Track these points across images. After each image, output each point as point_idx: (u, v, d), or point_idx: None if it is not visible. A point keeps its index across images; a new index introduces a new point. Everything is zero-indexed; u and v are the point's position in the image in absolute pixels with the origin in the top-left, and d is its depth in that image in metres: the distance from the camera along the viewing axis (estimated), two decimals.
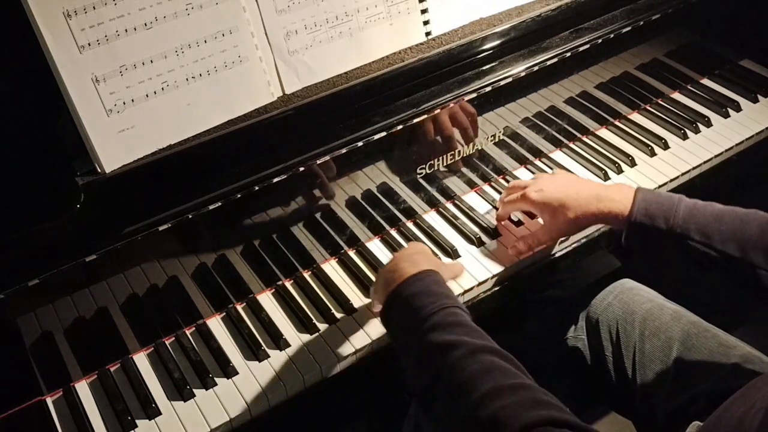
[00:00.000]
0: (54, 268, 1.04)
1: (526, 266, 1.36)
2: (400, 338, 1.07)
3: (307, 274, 1.36)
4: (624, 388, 1.36)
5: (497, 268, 1.34)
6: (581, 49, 1.44)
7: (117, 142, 1.08)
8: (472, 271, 1.33)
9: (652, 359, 1.31)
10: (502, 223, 1.42)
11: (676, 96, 1.77)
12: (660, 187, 1.51)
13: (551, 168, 1.56)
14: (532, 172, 1.56)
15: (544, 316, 1.57)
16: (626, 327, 1.37)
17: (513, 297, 1.37)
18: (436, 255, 1.36)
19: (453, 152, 1.41)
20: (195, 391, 1.17)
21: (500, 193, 1.51)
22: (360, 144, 1.24)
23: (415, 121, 1.28)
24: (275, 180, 1.18)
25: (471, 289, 1.31)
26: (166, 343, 1.25)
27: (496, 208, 1.45)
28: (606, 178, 1.53)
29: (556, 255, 1.38)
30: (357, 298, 1.30)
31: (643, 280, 1.46)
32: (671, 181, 1.53)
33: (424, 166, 1.38)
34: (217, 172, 1.14)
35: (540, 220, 1.35)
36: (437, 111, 1.30)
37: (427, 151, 1.37)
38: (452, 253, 1.37)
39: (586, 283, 1.42)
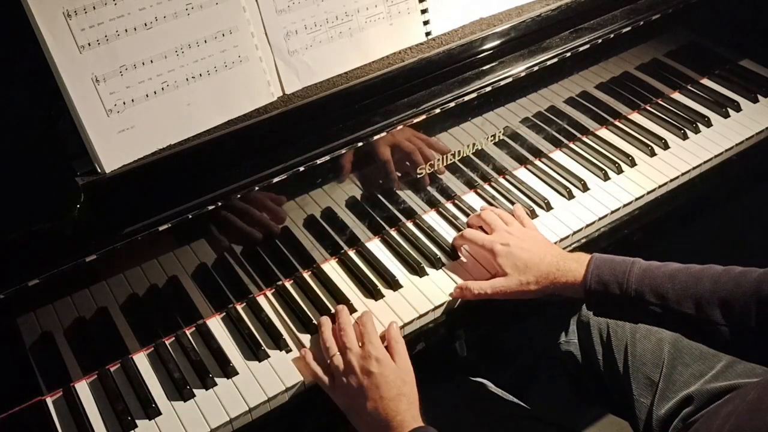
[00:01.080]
0: (54, 268, 1.04)
1: None
2: None
3: (307, 274, 1.36)
4: (618, 389, 1.36)
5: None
6: (581, 49, 1.44)
7: (117, 142, 1.08)
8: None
9: (644, 361, 1.32)
10: (461, 249, 1.39)
11: (676, 96, 1.77)
12: (660, 186, 1.51)
13: (551, 168, 1.56)
14: (533, 172, 1.56)
15: (537, 322, 1.57)
16: (617, 329, 1.37)
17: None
18: (436, 255, 1.36)
19: (453, 152, 1.41)
20: (195, 391, 1.17)
21: (500, 193, 1.51)
22: (360, 144, 1.24)
23: (415, 120, 1.28)
24: (275, 180, 1.18)
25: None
26: (166, 343, 1.25)
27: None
28: (606, 178, 1.53)
29: None
30: (357, 298, 1.30)
31: None
32: (671, 181, 1.53)
33: (424, 166, 1.38)
34: (217, 172, 1.14)
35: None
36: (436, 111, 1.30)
37: (427, 151, 1.37)
38: (452, 253, 1.37)
39: None
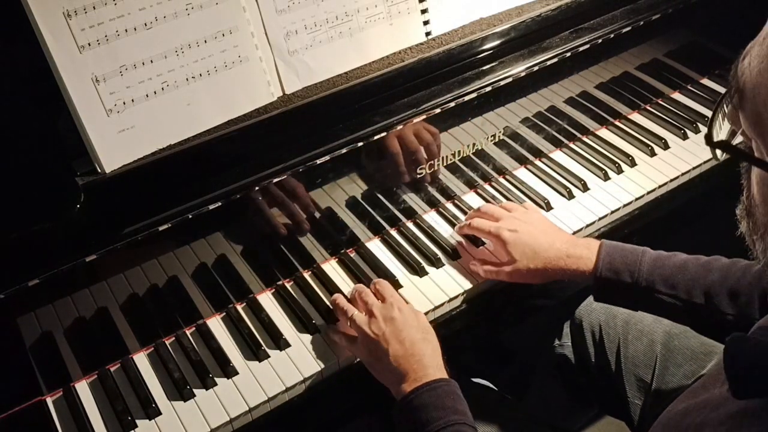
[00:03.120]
0: (54, 268, 1.04)
1: None
2: None
3: (307, 274, 1.36)
4: (612, 390, 1.37)
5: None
6: (581, 49, 1.44)
7: (117, 142, 1.08)
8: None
9: (636, 363, 1.32)
10: (462, 243, 1.38)
11: (676, 96, 1.77)
12: (660, 186, 1.51)
13: (551, 168, 1.56)
14: (533, 172, 1.56)
15: (532, 325, 1.57)
16: (609, 331, 1.37)
17: (512, 294, 1.36)
18: (436, 255, 1.36)
19: (453, 152, 1.41)
20: (195, 391, 1.17)
21: (500, 193, 1.51)
22: (360, 144, 1.24)
23: (415, 120, 1.28)
24: (275, 180, 1.18)
25: (465, 292, 1.31)
26: (166, 343, 1.25)
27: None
28: (606, 178, 1.53)
29: None
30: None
31: None
32: (671, 181, 1.53)
33: (424, 166, 1.38)
34: (217, 172, 1.14)
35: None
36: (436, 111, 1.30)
37: (427, 151, 1.37)
38: (452, 253, 1.37)
39: (573, 291, 1.42)
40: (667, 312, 1.17)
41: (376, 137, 1.25)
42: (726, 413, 0.76)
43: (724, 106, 0.75)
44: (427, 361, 1.09)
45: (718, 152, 0.78)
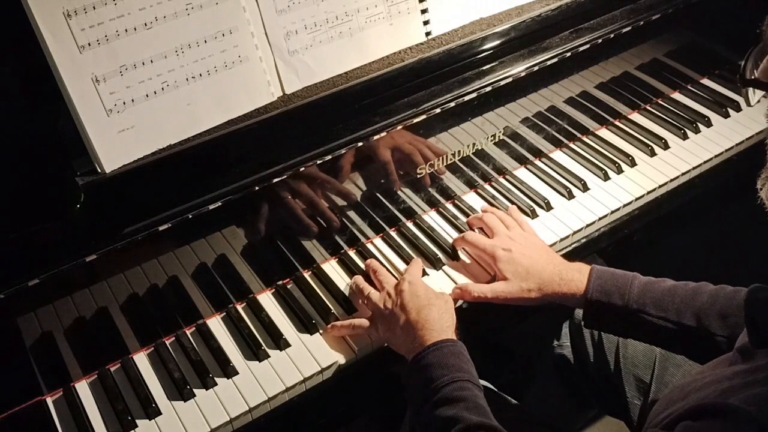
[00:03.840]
0: (54, 268, 1.04)
1: None
2: (413, 405, 1.10)
3: (307, 274, 1.36)
4: (611, 391, 1.37)
5: None
6: (581, 49, 1.44)
7: (117, 142, 1.08)
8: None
9: (635, 363, 1.33)
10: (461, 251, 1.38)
11: (676, 96, 1.77)
12: (660, 186, 1.51)
13: (551, 168, 1.56)
14: (533, 172, 1.56)
15: (531, 325, 1.57)
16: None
17: None
18: (436, 255, 1.36)
19: (453, 152, 1.41)
20: (195, 391, 1.17)
21: (500, 192, 1.51)
22: (360, 144, 1.24)
23: (415, 120, 1.28)
24: (275, 180, 1.18)
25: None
26: (167, 343, 1.25)
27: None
28: (606, 178, 1.53)
29: None
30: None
31: None
32: (671, 181, 1.53)
33: (424, 166, 1.38)
34: (217, 172, 1.14)
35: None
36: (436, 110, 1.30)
37: (427, 151, 1.37)
38: (452, 254, 1.37)
39: None
40: (656, 336, 1.18)
41: (376, 137, 1.25)
42: (735, 370, 0.79)
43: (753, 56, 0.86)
44: (431, 325, 1.13)
45: (751, 95, 0.90)
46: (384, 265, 1.34)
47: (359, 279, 1.30)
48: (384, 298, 1.22)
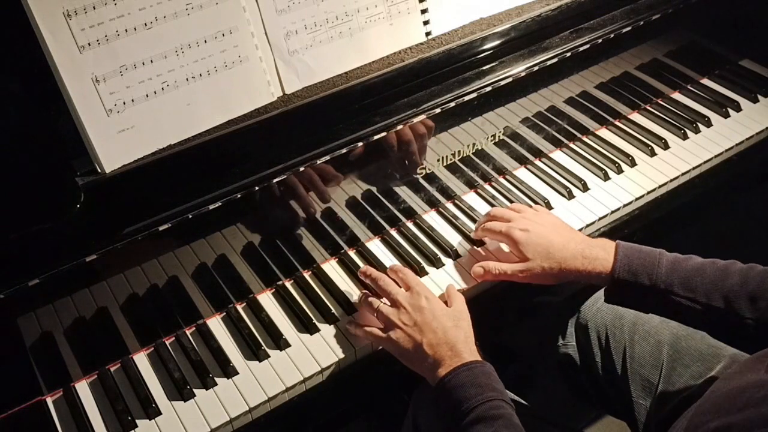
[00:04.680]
0: (54, 268, 1.04)
1: None
2: (445, 423, 1.09)
3: (307, 274, 1.36)
4: (616, 391, 1.36)
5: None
6: (581, 49, 1.44)
7: (117, 142, 1.08)
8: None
9: (642, 363, 1.32)
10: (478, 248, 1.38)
11: (676, 96, 1.77)
12: (660, 186, 1.51)
13: (551, 168, 1.57)
14: (533, 172, 1.56)
15: (535, 323, 1.57)
16: (615, 332, 1.37)
17: (510, 294, 1.36)
18: (436, 255, 1.36)
19: (453, 152, 1.41)
20: (195, 391, 1.17)
21: (500, 192, 1.51)
22: (360, 144, 1.24)
23: (415, 120, 1.28)
24: (275, 180, 1.18)
25: (466, 291, 1.31)
26: (166, 343, 1.25)
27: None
28: (606, 178, 1.53)
29: None
30: (357, 298, 1.30)
31: None
32: (671, 181, 1.53)
33: (424, 166, 1.38)
34: (217, 172, 1.14)
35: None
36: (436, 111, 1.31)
37: (427, 151, 1.37)
38: (452, 253, 1.37)
39: (576, 289, 1.42)
40: (681, 315, 1.16)
41: (376, 137, 1.25)
42: None
43: None
44: (460, 347, 1.12)
45: None
46: (380, 270, 1.34)
47: (365, 293, 1.26)
48: (399, 314, 1.17)
